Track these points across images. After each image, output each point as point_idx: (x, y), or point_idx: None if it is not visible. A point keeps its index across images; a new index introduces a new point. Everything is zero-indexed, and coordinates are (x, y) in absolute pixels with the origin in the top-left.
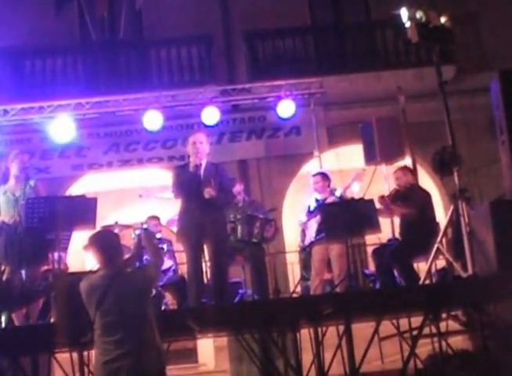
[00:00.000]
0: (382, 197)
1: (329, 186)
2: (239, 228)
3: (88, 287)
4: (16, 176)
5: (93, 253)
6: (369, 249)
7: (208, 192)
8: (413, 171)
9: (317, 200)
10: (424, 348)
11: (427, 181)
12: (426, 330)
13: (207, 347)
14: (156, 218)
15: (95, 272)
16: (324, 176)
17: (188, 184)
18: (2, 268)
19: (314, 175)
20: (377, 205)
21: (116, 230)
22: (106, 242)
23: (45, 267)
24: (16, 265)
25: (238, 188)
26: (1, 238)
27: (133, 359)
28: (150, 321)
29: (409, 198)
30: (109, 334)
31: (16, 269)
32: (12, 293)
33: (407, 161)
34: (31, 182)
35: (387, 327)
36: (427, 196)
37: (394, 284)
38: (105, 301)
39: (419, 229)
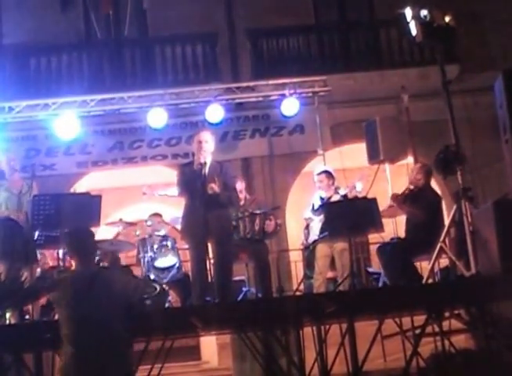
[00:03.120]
0: (396, 196)
1: (333, 184)
2: (240, 226)
3: (66, 283)
4: (9, 175)
5: (67, 251)
6: (373, 247)
7: (212, 188)
8: (430, 173)
9: (321, 199)
10: (427, 347)
11: None
12: (429, 329)
13: (210, 344)
14: (159, 215)
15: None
16: (328, 174)
17: (192, 182)
18: (3, 266)
19: (318, 174)
20: (390, 202)
21: (120, 227)
22: (77, 241)
23: (50, 264)
24: (19, 262)
25: (239, 186)
26: (4, 233)
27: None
28: (120, 330)
29: (420, 200)
30: (84, 335)
31: (19, 267)
32: (17, 290)
33: (410, 161)
34: (28, 181)
35: (389, 325)
36: (437, 199)
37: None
38: (84, 300)
39: (424, 229)
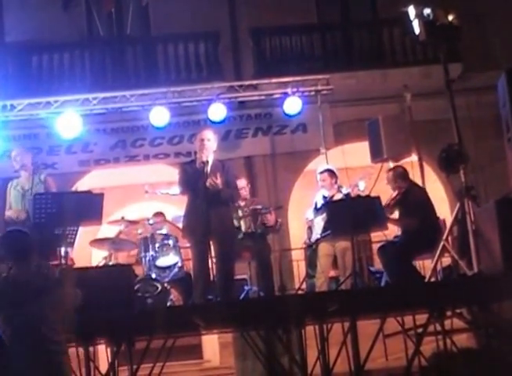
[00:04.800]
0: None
1: (336, 182)
2: (242, 223)
3: (9, 286)
4: (22, 171)
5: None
6: (375, 246)
7: (212, 182)
8: (405, 173)
9: (324, 197)
10: (429, 346)
11: (432, 178)
12: (430, 328)
13: (212, 343)
14: (161, 214)
15: (100, 267)
16: (331, 173)
17: (194, 180)
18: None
19: (321, 172)
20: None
21: (122, 226)
22: (11, 244)
23: (52, 262)
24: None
25: (242, 183)
26: None
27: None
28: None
29: (407, 203)
30: (17, 341)
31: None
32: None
33: (413, 159)
34: (41, 177)
35: (391, 324)
36: (424, 195)
37: (403, 280)
38: (16, 306)
39: (419, 231)
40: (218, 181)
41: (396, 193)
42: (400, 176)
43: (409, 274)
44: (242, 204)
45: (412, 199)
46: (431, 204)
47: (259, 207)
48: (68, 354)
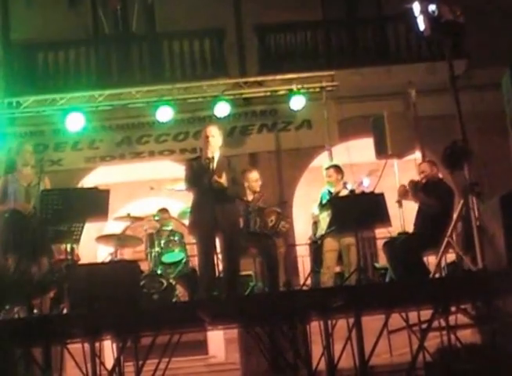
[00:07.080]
0: (415, 183)
1: (342, 178)
2: (251, 221)
3: None
4: (24, 166)
5: None
6: (380, 242)
7: (216, 181)
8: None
9: (330, 193)
10: (433, 342)
11: None
12: (435, 324)
13: (218, 339)
14: (166, 210)
15: (106, 263)
16: (337, 169)
17: (200, 177)
18: (11, 259)
19: (327, 168)
20: (406, 188)
21: (128, 222)
22: None
23: (58, 258)
24: (27, 256)
25: (255, 176)
26: (13, 226)
27: None
28: None
29: (435, 191)
30: None
31: (27, 260)
32: (26, 285)
33: (417, 155)
34: (41, 176)
35: (396, 320)
36: (452, 192)
37: (408, 276)
38: None
39: (436, 223)
40: (223, 180)
41: (426, 180)
42: (436, 166)
43: (417, 266)
44: (250, 198)
45: (441, 191)
46: (453, 206)
47: (279, 210)
48: None
